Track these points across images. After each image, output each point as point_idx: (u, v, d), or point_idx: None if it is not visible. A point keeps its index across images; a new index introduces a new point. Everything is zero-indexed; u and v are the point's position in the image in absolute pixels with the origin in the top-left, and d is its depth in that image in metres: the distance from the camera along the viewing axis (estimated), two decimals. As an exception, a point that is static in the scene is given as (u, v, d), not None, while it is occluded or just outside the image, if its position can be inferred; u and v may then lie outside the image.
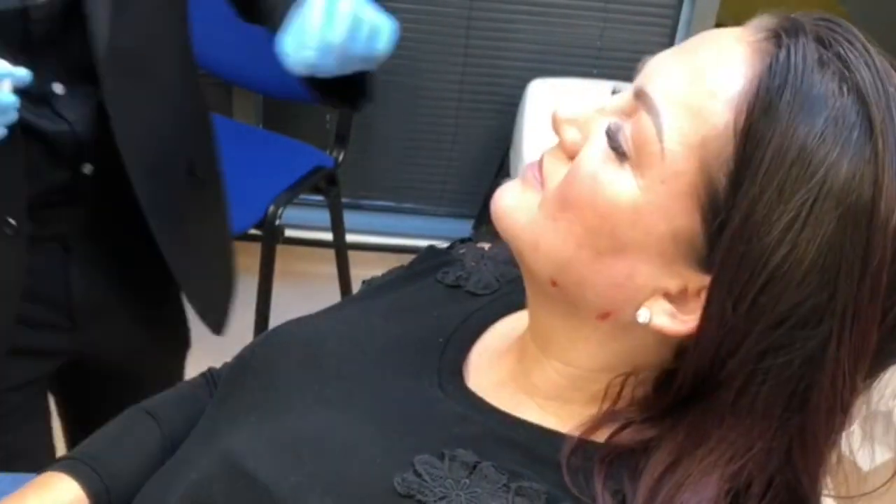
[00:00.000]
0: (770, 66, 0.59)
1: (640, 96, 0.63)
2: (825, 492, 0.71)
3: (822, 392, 0.59)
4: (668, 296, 0.63)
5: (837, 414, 0.60)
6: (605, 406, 0.67)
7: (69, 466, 0.82)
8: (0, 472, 0.98)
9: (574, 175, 0.64)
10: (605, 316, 0.65)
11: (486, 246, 0.93)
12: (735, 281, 0.59)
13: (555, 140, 0.68)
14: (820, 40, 0.60)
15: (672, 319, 0.63)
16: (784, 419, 0.60)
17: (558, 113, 0.67)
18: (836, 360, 0.58)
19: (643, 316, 0.63)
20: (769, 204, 0.57)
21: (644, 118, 0.61)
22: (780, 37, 0.60)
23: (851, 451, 0.68)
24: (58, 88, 1.01)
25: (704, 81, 0.60)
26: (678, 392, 0.63)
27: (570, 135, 0.66)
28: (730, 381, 0.60)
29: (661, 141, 0.60)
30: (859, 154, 0.57)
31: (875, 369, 0.62)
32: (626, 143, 0.62)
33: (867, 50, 0.60)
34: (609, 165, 0.63)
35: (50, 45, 0.98)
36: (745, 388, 0.60)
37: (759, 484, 0.61)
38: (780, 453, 0.61)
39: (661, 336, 0.64)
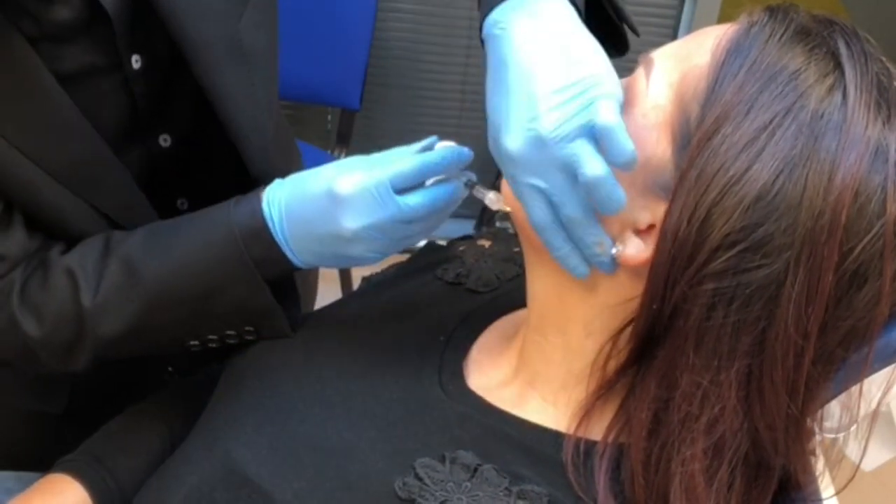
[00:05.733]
0: (755, 20, 0.64)
1: (644, 60, 0.67)
2: (826, 493, 0.71)
3: (777, 335, 0.60)
4: (637, 232, 0.65)
5: (791, 359, 0.60)
6: (594, 382, 0.68)
7: (74, 467, 0.82)
8: (2, 470, 0.98)
9: None
10: None
11: (487, 243, 0.93)
12: (691, 193, 0.60)
13: None
14: (809, 20, 0.64)
15: (637, 249, 0.64)
16: (746, 364, 0.61)
17: None
18: (791, 298, 0.59)
19: (616, 249, 0.65)
20: (734, 121, 0.60)
21: (639, 71, 0.67)
22: (769, 8, 0.65)
23: (851, 451, 0.68)
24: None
25: (695, 38, 0.67)
26: (642, 325, 0.64)
27: None
28: (687, 309, 0.61)
29: (647, 81, 0.65)
30: (830, 97, 0.60)
31: (837, 328, 0.61)
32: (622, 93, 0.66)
33: (859, 37, 0.64)
34: None
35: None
36: (706, 321, 0.61)
37: (731, 449, 0.62)
38: (744, 405, 0.61)
39: (631, 279, 0.65)
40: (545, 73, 0.62)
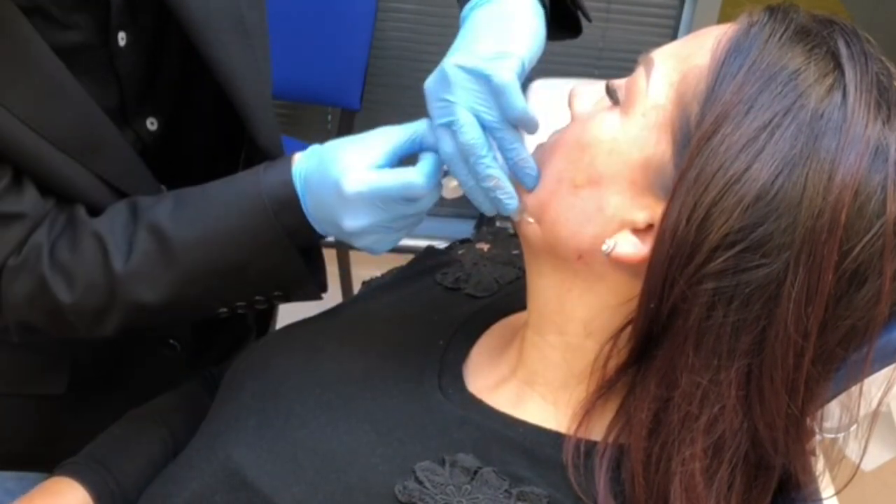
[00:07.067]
0: (755, 21, 0.64)
1: (644, 60, 0.67)
2: (826, 493, 0.71)
3: (777, 335, 0.60)
4: (635, 231, 0.65)
5: (791, 359, 0.60)
6: (594, 382, 0.68)
7: (77, 471, 0.82)
8: (2, 470, 0.98)
9: (571, 123, 0.70)
10: (579, 258, 0.67)
11: (486, 247, 0.93)
12: (691, 192, 0.60)
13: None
14: (809, 20, 0.64)
15: (633, 247, 0.64)
16: (746, 364, 0.61)
17: (574, 88, 0.72)
18: (791, 298, 0.59)
19: (607, 245, 0.65)
20: (734, 121, 0.60)
21: (639, 70, 0.67)
22: (769, 8, 0.65)
23: (851, 451, 0.68)
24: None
25: (695, 38, 0.67)
26: (641, 325, 0.64)
27: (580, 105, 0.71)
28: (686, 308, 0.61)
29: (648, 81, 0.65)
30: (830, 97, 0.60)
31: (837, 327, 0.61)
32: (620, 91, 0.67)
33: (859, 37, 0.64)
34: (602, 111, 0.68)
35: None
36: (706, 321, 0.61)
37: (731, 448, 0.62)
38: (743, 405, 0.61)
39: (630, 279, 0.65)
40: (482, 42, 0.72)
